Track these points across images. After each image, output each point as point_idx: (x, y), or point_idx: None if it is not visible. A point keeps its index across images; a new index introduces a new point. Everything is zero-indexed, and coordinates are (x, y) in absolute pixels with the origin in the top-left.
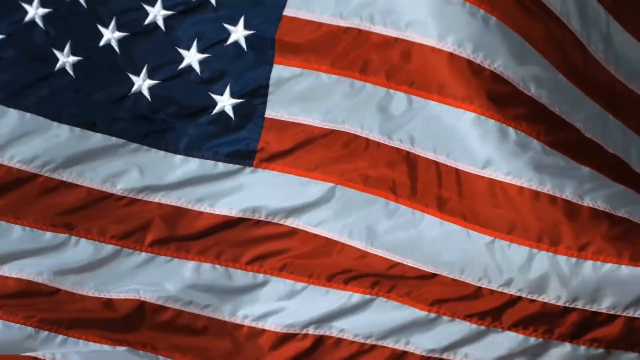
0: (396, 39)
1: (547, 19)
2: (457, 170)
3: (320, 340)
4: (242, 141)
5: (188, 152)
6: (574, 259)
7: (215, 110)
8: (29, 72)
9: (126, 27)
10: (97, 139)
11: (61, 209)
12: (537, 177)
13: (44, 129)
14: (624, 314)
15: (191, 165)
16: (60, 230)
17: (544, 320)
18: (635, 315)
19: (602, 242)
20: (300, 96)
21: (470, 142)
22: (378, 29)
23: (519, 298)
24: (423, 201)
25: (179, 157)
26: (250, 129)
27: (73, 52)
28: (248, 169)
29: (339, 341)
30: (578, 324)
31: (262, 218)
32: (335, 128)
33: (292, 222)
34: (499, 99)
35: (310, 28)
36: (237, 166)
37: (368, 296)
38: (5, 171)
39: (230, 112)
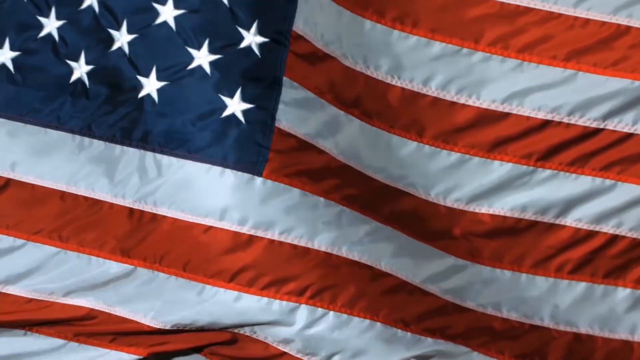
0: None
1: None
2: None
3: None
4: (252, 149)
5: (195, 157)
6: None
7: (225, 114)
8: (47, 86)
9: (136, 28)
10: (99, 147)
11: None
12: None
13: (64, 144)
14: None
15: (198, 172)
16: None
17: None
18: None
19: None
20: (305, 116)
21: None
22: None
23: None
24: None
25: (185, 162)
26: (260, 137)
27: (87, 62)
28: (258, 179)
29: None
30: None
31: (275, 237)
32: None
33: (305, 242)
34: None
35: (314, 51)
36: (246, 175)
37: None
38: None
39: (241, 117)
